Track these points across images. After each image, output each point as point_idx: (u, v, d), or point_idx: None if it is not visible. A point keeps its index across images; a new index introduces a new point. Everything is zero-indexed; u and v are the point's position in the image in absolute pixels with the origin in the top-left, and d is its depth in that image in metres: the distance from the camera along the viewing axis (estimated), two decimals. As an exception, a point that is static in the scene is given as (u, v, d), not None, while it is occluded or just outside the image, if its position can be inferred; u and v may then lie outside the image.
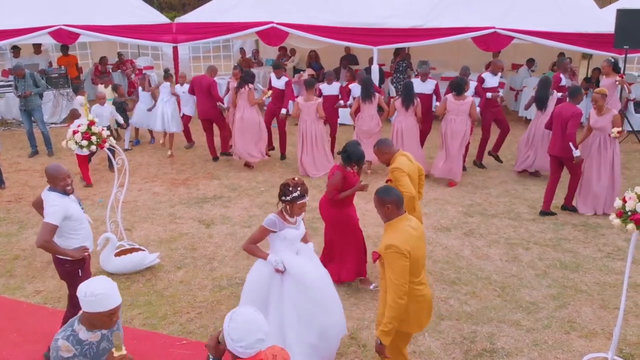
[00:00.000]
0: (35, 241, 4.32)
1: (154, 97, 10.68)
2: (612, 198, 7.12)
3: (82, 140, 5.43)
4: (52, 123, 12.20)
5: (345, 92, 9.52)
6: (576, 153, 6.90)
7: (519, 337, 4.88)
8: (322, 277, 4.35)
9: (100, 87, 10.72)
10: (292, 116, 9.14)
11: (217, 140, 10.05)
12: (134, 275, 5.90)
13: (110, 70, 14.51)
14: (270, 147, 10.00)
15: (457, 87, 8.28)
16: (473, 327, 5.01)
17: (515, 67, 14.51)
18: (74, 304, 4.51)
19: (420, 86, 9.13)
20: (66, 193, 4.31)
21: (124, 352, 2.80)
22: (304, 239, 4.51)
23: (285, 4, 11.92)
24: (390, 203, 3.52)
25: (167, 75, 10.25)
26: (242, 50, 15.80)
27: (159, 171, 9.42)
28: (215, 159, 9.86)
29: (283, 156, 10.02)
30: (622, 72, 9.45)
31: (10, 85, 11.98)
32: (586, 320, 5.12)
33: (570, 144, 6.89)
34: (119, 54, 14.89)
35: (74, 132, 5.47)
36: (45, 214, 4.26)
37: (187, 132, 10.57)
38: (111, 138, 5.88)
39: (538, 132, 8.51)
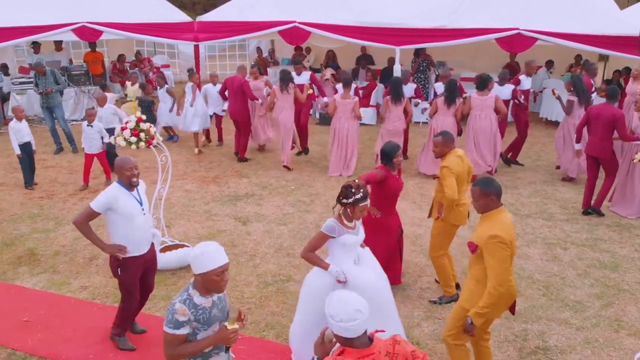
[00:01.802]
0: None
1: (171, 95, 10.70)
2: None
3: (130, 136, 5.44)
4: (73, 120, 12.21)
5: (365, 91, 9.60)
6: None
7: (569, 335, 4.92)
8: (383, 288, 4.23)
9: (127, 84, 10.76)
10: (329, 113, 9.14)
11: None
12: (179, 272, 5.92)
13: (128, 69, 14.55)
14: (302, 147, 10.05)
15: (481, 83, 8.36)
16: (523, 325, 5.05)
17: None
18: (122, 298, 4.58)
19: (442, 87, 9.22)
20: (131, 185, 4.30)
21: (236, 326, 2.87)
22: (361, 244, 4.37)
23: (305, 3, 11.94)
24: (494, 194, 3.64)
25: (191, 75, 10.23)
26: (258, 50, 15.84)
27: (188, 169, 9.44)
28: (243, 160, 9.87)
29: (306, 150, 10.06)
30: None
31: (31, 82, 12.00)
32: (632, 319, 5.16)
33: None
34: (137, 52, 14.92)
35: (123, 129, 5.48)
36: (95, 199, 4.29)
37: (219, 131, 10.66)
38: (158, 135, 5.90)
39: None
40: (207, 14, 12.99)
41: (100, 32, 11.48)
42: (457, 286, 5.67)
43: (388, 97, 8.84)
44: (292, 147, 9.64)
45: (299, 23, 11.67)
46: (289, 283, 5.74)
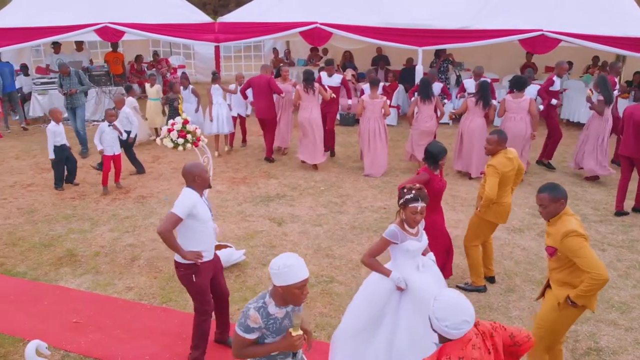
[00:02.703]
0: (159, 226, 4.18)
1: (196, 95, 10.71)
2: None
3: (177, 138, 5.45)
4: (93, 120, 12.25)
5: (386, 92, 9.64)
6: None
7: (619, 336, 4.93)
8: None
9: (147, 86, 10.77)
10: (356, 114, 9.15)
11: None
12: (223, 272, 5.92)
13: (146, 69, 14.57)
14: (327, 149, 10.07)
15: (517, 84, 8.33)
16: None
17: (549, 69, 14.56)
18: (196, 310, 4.45)
19: (474, 86, 9.25)
20: (203, 189, 4.29)
21: (300, 332, 2.88)
22: (424, 251, 4.30)
23: (326, 4, 11.96)
24: (563, 199, 3.69)
25: (215, 78, 10.21)
26: (275, 50, 15.84)
27: (216, 169, 9.41)
28: (270, 160, 9.87)
29: (332, 152, 10.07)
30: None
31: (53, 82, 12.02)
32: None
33: None
34: (155, 53, 14.93)
35: (169, 130, 5.50)
36: (174, 205, 4.18)
37: (243, 132, 10.65)
38: (203, 137, 5.91)
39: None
40: (228, 15, 12.99)
41: (122, 33, 11.50)
42: (492, 279, 5.76)
43: (418, 96, 8.84)
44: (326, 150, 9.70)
45: (321, 24, 11.69)
46: (332, 284, 5.75)
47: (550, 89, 9.15)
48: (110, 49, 13.76)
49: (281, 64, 10.43)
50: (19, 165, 9.63)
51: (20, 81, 12.40)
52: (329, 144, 9.95)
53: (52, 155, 8.17)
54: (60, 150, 8.23)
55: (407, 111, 13.37)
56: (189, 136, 5.53)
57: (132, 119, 9.02)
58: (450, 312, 2.55)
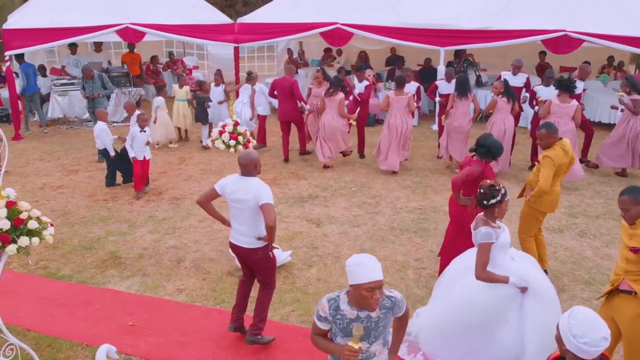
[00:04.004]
0: (268, 220, 4.27)
1: (227, 94, 10.69)
2: None
3: (229, 140, 5.44)
4: (113, 122, 12.19)
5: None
6: None
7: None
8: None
9: (175, 87, 10.74)
10: (381, 109, 9.15)
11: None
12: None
13: (161, 70, 14.53)
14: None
15: (567, 87, 8.21)
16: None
17: (564, 70, 14.60)
18: (266, 284, 4.69)
19: (512, 80, 9.34)
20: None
21: (357, 346, 2.74)
22: None
23: (346, 4, 11.95)
24: None
25: (249, 78, 10.18)
26: (289, 51, 15.82)
27: (244, 170, 9.41)
28: (286, 160, 9.85)
29: (362, 155, 10.05)
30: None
31: (72, 83, 11.97)
32: None
33: None
34: (170, 53, 14.89)
35: (221, 132, 5.48)
36: (261, 197, 4.28)
37: (261, 133, 10.57)
38: (253, 140, 5.90)
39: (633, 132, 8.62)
40: (247, 16, 12.97)
41: (143, 34, 11.45)
42: (545, 272, 5.74)
43: (455, 92, 8.87)
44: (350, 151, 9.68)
45: (342, 24, 11.68)
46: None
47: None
48: (127, 50, 13.71)
49: (318, 69, 10.27)
50: (45, 167, 9.58)
51: (38, 82, 12.33)
52: (360, 149, 9.97)
53: (113, 152, 8.27)
54: (106, 150, 8.30)
55: (426, 111, 13.53)
56: (240, 138, 5.51)
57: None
58: (590, 329, 2.44)
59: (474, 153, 5.34)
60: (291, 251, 6.22)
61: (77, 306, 5.34)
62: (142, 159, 8.09)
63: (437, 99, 9.87)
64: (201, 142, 10.78)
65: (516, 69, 9.40)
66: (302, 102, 9.55)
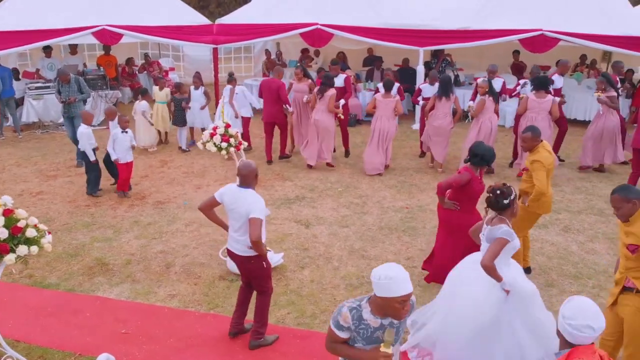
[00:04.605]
0: (251, 235, 4.26)
1: (208, 96, 10.59)
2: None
3: (221, 142, 5.39)
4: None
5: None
6: None
7: None
8: (532, 288, 4.26)
9: (155, 90, 10.59)
10: (367, 111, 9.17)
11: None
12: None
13: (137, 72, 14.32)
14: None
15: (539, 83, 8.42)
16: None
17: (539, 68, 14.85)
18: (262, 292, 4.70)
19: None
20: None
21: (390, 350, 2.77)
22: None
23: (326, 5, 11.95)
24: (637, 198, 3.69)
25: (231, 79, 10.09)
26: (267, 52, 15.74)
27: (228, 173, 9.35)
28: (270, 162, 9.81)
29: (347, 152, 10.06)
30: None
31: (47, 87, 11.69)
32: None
33: None
34: (146, 55, 14.68)
35: (212, 135, 5.42)
36: (252, 211, 4.28)
37: (245, 135, 10.47)
38: (244, 142, 5.85)
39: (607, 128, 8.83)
40: (226, 17, 12.88)
41: (120, 35, 11.26)
42: (528, 270, 5.88)
43: (436, 93, 8.94)
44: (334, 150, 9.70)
45: (321, 25, 11.68)
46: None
47: (553, 87, 9.34)
48: (101, 52, 13.46)
49: (298, 65, 10.27)
50: (22, 173, 9.34)
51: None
52: (345, 145, 9.99)
53: (93, 157, 8.03)
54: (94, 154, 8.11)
55: (405, 111, 13.59)
56: (231, 140, 5.46)
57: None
58: (579, 313, 2.60)
59: (468, 163, 5.37)
60: (283, 253, 6.19)
61: (67, 315, 5.21)
62: (125, 162, 7.96)
63: (422, 102, 9.89)
64: (180, 147, 10.64)
65: (491, 74, 9.51)
66: (287, 105, 9.51)
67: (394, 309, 2.77)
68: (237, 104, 10.30)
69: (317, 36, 11.77)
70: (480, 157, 5.26)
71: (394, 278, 2.73)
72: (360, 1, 11.90)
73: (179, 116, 10.44)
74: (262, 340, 4.69)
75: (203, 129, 10.76)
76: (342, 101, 9.55)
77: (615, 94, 8.69)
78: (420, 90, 9.90)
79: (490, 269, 3.99)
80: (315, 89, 9.14)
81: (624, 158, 9.15)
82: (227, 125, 5.49)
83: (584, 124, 11.78)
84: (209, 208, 4.65)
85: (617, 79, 9.74)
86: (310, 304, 5.39)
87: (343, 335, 2.90)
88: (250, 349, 4.66)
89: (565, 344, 2.67)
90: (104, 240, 6.80)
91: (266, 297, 4.71)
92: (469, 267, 4.39)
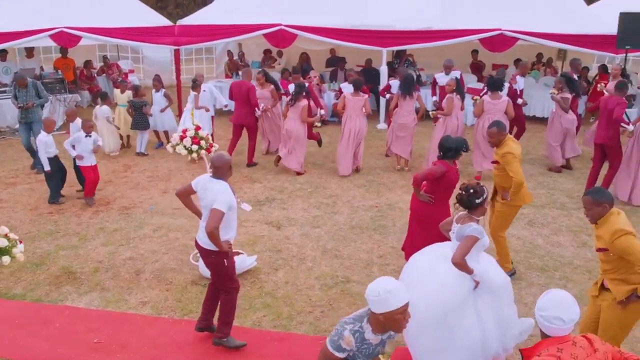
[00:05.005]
0: (207, 225, 4.25)
1: (168, 98, 10.43)
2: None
3: (191, 144, 5.31)
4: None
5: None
6: (630, 128, 7.45)
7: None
8: (503, 278, 4.33)
9: (116, 92, 10.36)
10: (338, 110, 9.16)
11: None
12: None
13: (96, 75, 13.98)
14: None
15: (496, 84, 8.62)
16: (585, 308, 5.34)
17: (496, 67, 15.19)
18: (225, 290, 4.64)
19: (446, 79, 9.63)
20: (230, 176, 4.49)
21: None
22: None
23: (289, 5, 11.94)
24: (608, 202, 3.79)
25: (195, 86, 9.93)
26: (229, 53, 15.61)
27: (195, 175, 9.02)
28: (254, 164, 9.69)
29: (320, 142, 10.06)
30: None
31: (3, 92, 11.29)
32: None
33: (623, 124, 7.46)
34: (104, 58, 14.34)
35: (182, 137, 5.34)
36: (215, 201, 4.26)
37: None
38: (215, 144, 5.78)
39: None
40: (188, 17, 12.71)
41: (79, 38, 10.98)
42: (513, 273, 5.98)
43: (399, 92, 9.04)
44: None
45: (285, 25, 11.66)
46: (350, 284, 5.78)
47: (516, 87, 9.59)
48: (58, 55, 13.08)
49: (260, 70, 10.22)
50: (-22, 181, 8.99)
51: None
52: (316, 139, 9.99)
53: (47, 167, 7.73)
54: (54, 161, 7.83)
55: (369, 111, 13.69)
56: (202, 142, 5.39)
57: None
58: (551, 305, 2.67)
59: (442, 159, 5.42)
60: (256, 256, 6.15)
61: (36, 326, 5.05)
62: (89, 165, 7.78)
63: (388, 96, 10.00)
64: (137, 152, 10.44)
65: (447, 69, 9.71)
66: (257, 109, 9.45)
67: (396, 321, 2.80)
68: (202, 102, 10.16)
69: (280, 37, 11.75)
70: (454, 149, 5.35)
71: (392, 291, 2.76)
72: (324, 2, 11.93)
73: (138, 120, 10.24)
74: (224, 340, 4.64)
75: (165, 132, 10.68)
76: (321, 112, 9.60)
77: (569, 95, 8.94)
78: (389, 86, 10.00)
79: (461, 266, 4.05)
80: (288, 98, 9.06)
81: (580, 152, 9.45)
82: (197, 128, 5.42)
83: (543, 120, 12.15)
84: (185, 195, 4.70)
85: (575, 76, 10.04)
86: (286, 306, 5.37)
87: (342, 355, 2.89)
88: (213, 345, 4.65)
89: (543, 335, 2.74)
90: (69, 248, 6.61)
91: (230, 296, 4.64)
92: (437, 258, 4.38)
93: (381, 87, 12.02)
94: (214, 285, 4.78)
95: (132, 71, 15.88)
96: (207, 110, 9.94)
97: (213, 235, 4.24)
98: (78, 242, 6.78)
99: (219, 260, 4.50)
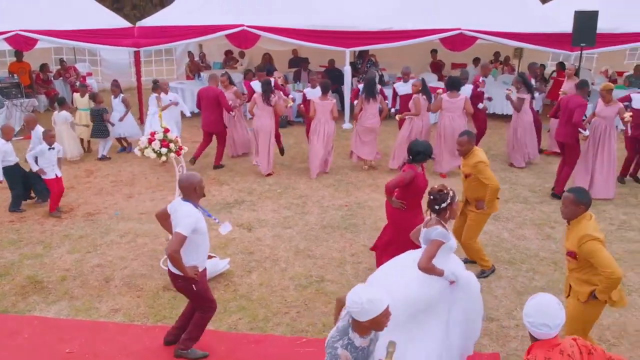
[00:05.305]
0: (165, 249, 4.18)
1: (126, 104, 10.24)
2: (610, 182, 8.06)
3: (160, 148, 5.23)
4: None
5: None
6: (585, 133, 7.71)
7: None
8: (473, 279, 4.35)
9: (76, 97, 10.10)
10: (309, 116, 9.14)
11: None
12: (210, 283, 5.72)
13: (52, 79, 13.60)
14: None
15: (454, 83, 8.81)
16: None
17: (455, 66, 15.53)
18: (200, 309, 4.54)
19: (405, 87, 9.75)
20: (201, 197, 4.35)
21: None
22: None
23: (252, 6, 11.88)
24: (585, 204, 3.94)
25: (155, 87, 9.79)
26: (190, 54, 15.43)
27: (160, 179, 9.08)
28: (193, 160, 9.52)
29: (282, 151, 10.02)
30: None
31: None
32: (636, 283, 5.84)
33: (580, 129, 7.72)
34: (61, 61, 13.95)
35: (150, 140, 5.25)
36: (177, 224, 4.19)
37: None
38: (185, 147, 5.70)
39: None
40: (148, 19, 12.48)
41: (35, 41, 10.67)
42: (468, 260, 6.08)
43: (362, 95, 9.10)
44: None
45: (248, 26, 11.60)
46: (324, 283, 5.81)
47: (480, 90, 9.79)
48: (12, 59, 12.66)
49: (224, 72, 10.14)
50: None
51: None
52: (279, 144, 9.95)
53: (1, 177, 7.39)
54: (15, 169, 7.58)
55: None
56: (171, 145, 5.32)
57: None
58: (536, 312, 2.76)
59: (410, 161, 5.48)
60: (229, 259, 6.11)
61: (4, 338, 4.89)
62: (54, 177, 7.53)
63: (356, 102, 10.04)
64: (98, 157, 10.24)
65: (406, 76, 9.78)
66: (230, 112, 9.44)
67: (381, 322, 2.86)
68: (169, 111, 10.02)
69: (243, 38, 11.69)
70: (423, 153, 5.43)
71: (374, 300, 2.80)
72: (287, 2, 11.92)
73: (98, 128, 10.00)
74: (185, 352, 4.56)
75: (124, 139, 10.47)
76: (290, 96, 9.79)
77: (525, 96, 9.21)
78: (358, 90, 10.01)
79: (428, 270, 4.09)
80: (257, 95, 8.99)
81: (537, 154, 9.75)
82: (166, 130, 5.34)
83: (503, 117, 12.48)
84: (163, 218, 4.59)
85: (532, 80, 10.35)
86: (261, 308, 5.36)
87: None
88: (175, 356, 4.59)
89: (531, 338, 2.85)
90: (34, 257, 6.41)
91: (205, 315, 4.55)
92: (406, 265, 4.38)
93: (345, 87, 12.16)
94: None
95: (89, 74, 15.51)
96: (176, 104, 9.90)
97: (173, 258, 4.12)
98: (43, 251, 6.59)
99: (187, 285, 4.37)
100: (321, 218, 7.47)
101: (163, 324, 5.11)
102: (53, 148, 7.51)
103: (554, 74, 12.93)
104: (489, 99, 10.32)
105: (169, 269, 4.44)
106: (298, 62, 14.54)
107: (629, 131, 8.33)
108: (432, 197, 4.30)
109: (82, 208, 7.91)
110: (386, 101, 9.73)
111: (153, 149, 5.27)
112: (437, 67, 15.25)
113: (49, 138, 7.49)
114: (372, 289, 2.89)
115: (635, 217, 7.53)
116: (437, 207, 4.27)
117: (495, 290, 5.69)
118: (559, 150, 9.40)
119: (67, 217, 7.57)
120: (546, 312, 2.75)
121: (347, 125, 12.14)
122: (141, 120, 11.74)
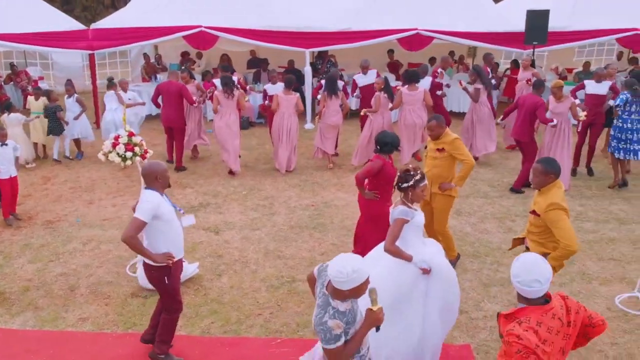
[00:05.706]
0: (121, 235, 4.11)
1: (81, 104, 10.00)
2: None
3: (125, 152, 5.13)
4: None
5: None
6: (554, 122, 7.94)
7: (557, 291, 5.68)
8: (449, 265, 4.40)
9: (30, 100, 9.78)
10: (271, 110, 9.15)
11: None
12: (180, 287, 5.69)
13: (2, 83, 13.12)
14: None
15: (412, 76, 8.98)
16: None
17: (411, 65, 15.75)
18: (166, 309, 4.48)
19: (365, 79, 9.89)
20: (163, 189, 4.27)
21: (380, 305, 2.96)
22: None
23: (208, 7, 11.77)
24: (555, 173, 4.14)
25: (111, 84, 9.62)
26: (145, 56, 15.13)
27: (120, 184, 8.89)
28: (170, 161, 9.52)
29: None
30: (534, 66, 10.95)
31: None
32: (596, 271, 6.09)
33: (549, 124, 7.98)
34: (12, 65, 13.46)
35: (114, 145, 5.15)
36: (137, 209, 4.15)
37: None
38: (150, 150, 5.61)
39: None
40: (103, 20, 12.18)
41: (-17, 44, 10.24)
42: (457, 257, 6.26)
43: (325, 92, 9.18)
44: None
45: (206, 27, 11.49)
46: (296, 283, 5.83)
47: (438, 80, 10.03)
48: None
49: (184, 69, 10.09)
50: None
51: None
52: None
53: None
54: None
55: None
56: (136, 149, 5.22)
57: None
58: (524, 270, 2.76)
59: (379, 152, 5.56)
60: (198, 263, 6.04)
61: (-36, 354, 4.71)
62: (8, 177, 7.26)
63: (319, 96, 10.12)
64: (54, 159, 9.97)
65: (365, 69, 9.96)
66: (193, 104, 9.42)
67: (359, 290, 2.90)
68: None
69: (201, 39, 11.57)
70: (390, 144, 5.51)
71: (358, 269, 2.84)
72: (245, 3, 11.87)
73: (53, 125, 9.76)
74: (161, 357, 4.52)
75: (77, 140, 10.20)
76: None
77: (481, 86, 9.45)
78: (321, 85, 10.10)
79: (393, 253, 4.11)
80: (218, 92, 8.90)
81: (494, 148, 9.98)
82: (131, 134, 5.24)
83: (459, 115, 12.77)
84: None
85: (488, 69, 10.62)
86: (233, 310, 5.33)
87: (343, 340, 2.91)
88: (149, 356, 4.55)
89: (521, 298, 2.83)
90: (-8, 269, 6.19)
91: (170, 316, 4.49)
92: (379, 255, 4.46)
93: (305, 87, 12.18)
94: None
95: (41, 78, 15.03)
96: (143, 103, 9.94)
97: (129, 243, 4.05)
98: (2, 261, 6.36)
99: (159, 275, 4.30)
100: (289, 218, 7.48)
101: (134, 330, 5.02)
102: (6, 144, 7.22)
103: (508, 72, 13.33)
104: (448, 85, 10.54)
105: (143, 261, 4.35)
106: (257, 63, 14.49)
107: (579, 128, 8.71)
108: (398, 174, 4.37)
109: (41, 216, 7.67)
110: (347, 99, 9.85)
111: (117, 153, 5.16)
112: (394, 67, 15.47)
113: (1, 136, 7.21)
114: (354, 258, 2.89)
115: (590, 208, 7.86)
116: (400, 185, 4.32)
117: (462, 283, 5.80)
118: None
119: (26, 226, 7.33)
120: (533, 268, 2.76)
121: (309, 125, 12.18)
122: (97, 124, 11.46)
